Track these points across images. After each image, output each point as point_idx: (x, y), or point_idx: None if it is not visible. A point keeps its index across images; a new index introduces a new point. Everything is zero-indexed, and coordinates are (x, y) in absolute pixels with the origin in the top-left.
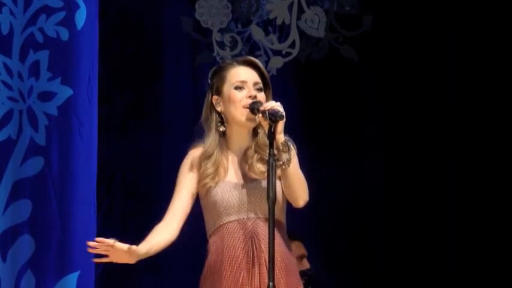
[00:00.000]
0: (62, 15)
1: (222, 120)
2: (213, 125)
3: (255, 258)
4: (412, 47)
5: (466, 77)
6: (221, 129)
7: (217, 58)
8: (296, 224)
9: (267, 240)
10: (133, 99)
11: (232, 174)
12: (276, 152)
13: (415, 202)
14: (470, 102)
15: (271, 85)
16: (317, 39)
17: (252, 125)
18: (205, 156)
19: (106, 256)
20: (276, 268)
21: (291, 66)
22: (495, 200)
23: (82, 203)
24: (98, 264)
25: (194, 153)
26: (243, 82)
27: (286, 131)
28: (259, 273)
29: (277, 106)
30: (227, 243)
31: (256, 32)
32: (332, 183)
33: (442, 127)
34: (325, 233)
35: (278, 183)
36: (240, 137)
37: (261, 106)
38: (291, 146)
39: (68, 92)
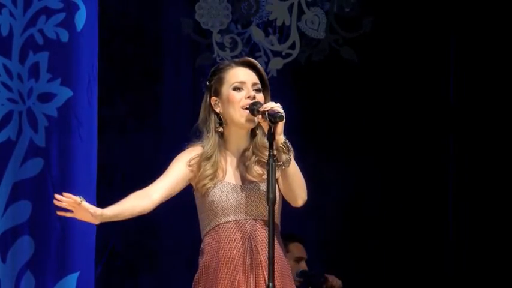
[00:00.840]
0: (61, 16)
1: (221, 121)
2: (212, 126)
3: (252, 260)
4: (412, 49)
5: (466, 79)
6: (220, 130)
7: (217, 59)
8: (296, 224)
9: (264, 242)
10: (133, 100)
11: (230, 176)
12: (275, 152)
13: (415, 202)
14: (471, 104)
15: (271, 86)
16: (317, 41)
17: (251, 125)
18: (205, 158)
19: (70, 211)
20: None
21: (291, 68)
22: (495, 200)
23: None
24: (97, 265)
25: (193, 151)
26: (242, 83)
27: (286, 132)
28: (255, 275)
29: (276, 107)
30: (223, 244)
31: (256, 33)
32: (332, 183)
33: (443, 128)
34: (325, 233)
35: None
36: (238, 138)
37: (260, 107)
38: (291, 147)
39: (67, 93)
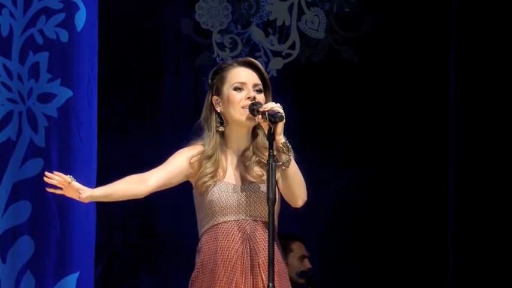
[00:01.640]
0: (61, 16)
1: (222, 121)
2: (213, 124)
3: (250, 261)
4: (412, 48)
5: (467, 78)
6: (220, 130)
7: (217, 59)
8: (295, 224)
9: (263, 243)
10: (133, 100)
11: (230, 175)
12: (275, 153)
13: (415, 202)
14: (471, 104)
15: (271, 86)
16: (317, 41)
17: (252, 124)
18: (206, 157)
19: (60, 189)
20: (265, 273)
21: (291, 68)
22: (496, 200)
23: (81, 204)
24: (97, 265)
25: (194, 149)
26: (243, 83)
27: (286, 132)
28: (253, 276)
29: (276, 107)
30: (221, 244)
31: (256, 33)
32: (331, 183)
33: (443, 128)
34: (324, 233)
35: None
36: (238, 138)
37: (260, 107)
38: (290, 147)
39: (67, 93)
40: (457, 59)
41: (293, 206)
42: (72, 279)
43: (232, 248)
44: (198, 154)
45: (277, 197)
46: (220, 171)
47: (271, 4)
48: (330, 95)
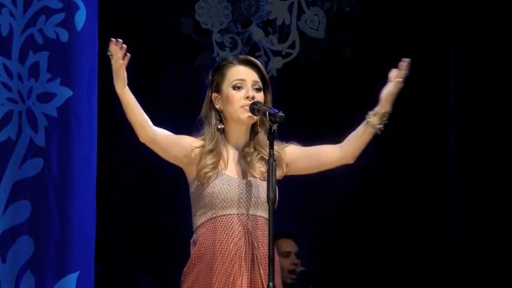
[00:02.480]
0: (61, 16)
1: (221, 118)
2: (213, 121)
3: (248, 254)
4: (412, 48)
5: (467, 78)
6: (220, 126)
7: (217, 59)
8: (296, 223)
9: (262, 238)
10: None
11: (231, 169)
12: (376, 119)
13: (415, 202)
14: (471, 103)
15: (271, 85)
16: (317, 40)
17: (251, 122)
18: (207, 151)
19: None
20: (264, 269)
21: (291, 67)
22: (495, 200)
23: (81, 204)
24: (97, 264)
25: (197, 142)
26: (242, 81)
27: (286, 131)
28: (251, 269)
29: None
30: (219, 237)
31: (256, 33)
32: (331, 183)
33: (443, 128)
34: (324, 233)
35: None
36: (238, 134)
37: (260, 106)
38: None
39: (67, 93)
40: (457, 59)
41: (345, 162)
42: (72, 278)
43: (232, 241)
44: (199, 146)
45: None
46: (221, 163)
47: (271, 3)
48: (329, 95)
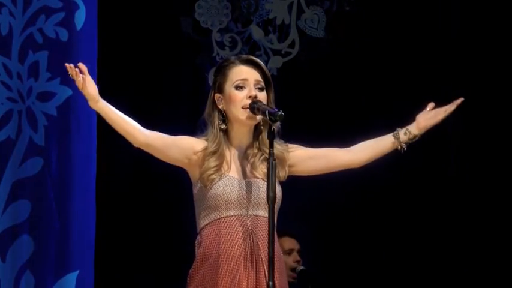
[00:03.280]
0: (61, 15)
1: (224, 118)
2: (216, 122)
3: (253, 256)
4: (412, 47)
5: (467, 78)
6: (223, 127)
7: (217, 58)
8: (297, 223)
9: (265, 239)
10: (132, 99)
11: (234, 170)
12: (408, 139)
13: (416, 202)
14: (471, 103)
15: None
16: (317, 39)
17: (253, 123)
18: (210, 152)
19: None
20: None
21: (291, 66)
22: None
23: (81, 203)
24: (97, 264)
25: (199, 142)
26: (244, 81)
27: (286, 129)
28: (256, 270)
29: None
30: (224, 238)
31: (256, 32)
32: (331, 182)
33: (443, 127)
34: (324, 233)
35: (278, 185)
36: (241, 135)
37: (260, 105)
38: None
39: (67, 92)
40: (458, 58)
41: (352, 167)
42: (71, 278)
43: (236, 243)
44: (202, 148)
45: (278, 194)
46: (224, 164)
47: (271, 3)
48: (329, 94)
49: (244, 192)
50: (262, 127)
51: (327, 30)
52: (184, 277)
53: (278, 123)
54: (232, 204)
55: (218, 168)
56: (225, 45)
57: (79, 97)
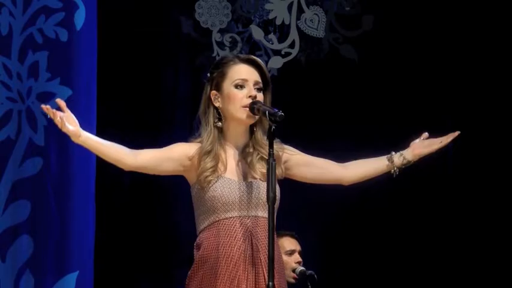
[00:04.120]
0: (61, 15)
1: (220, 116)
2: (211, 119)
3: (252, 257)
4: (413, 47)
5: (467, 77)
6: (219, 125)
7: (217, 58)
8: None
9: (265, 240)
10: (132, 99)
11: (231, 171)
12: (402, 164)
13: (416, 202)
14: (471, 103)
15: (271, 85)
16: (317, 39)
17: (251, 122)
18: (205, 152)
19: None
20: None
21: (291, 66)
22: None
23: (81, 203)
24: (97, 264)
25: (192, 146)
26: (244, 80)
27: (286, 130)
28: (256, 272)
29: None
30: (223, 240)
31: (256, 32)
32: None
33: (443, 126)
34: (324, 233)
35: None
36: (237, 134)
37: (260, 106)
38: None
39: (67, 92)
40: (458, 58)
41: (341, 183)
42: (71, 278)
43: (235, 245)
44: (196, 151)
45: (277, 195)
46: (220, 165)
47: (271, 3)
48: (329, 94)
49: (242, 194)
50: (255, 127)
51: (327, 30)
52: (184, 277)
53: (267, 121)
54: (231, 206)
55: (214, 169)
56: (225, 46)
57: (79, 97)
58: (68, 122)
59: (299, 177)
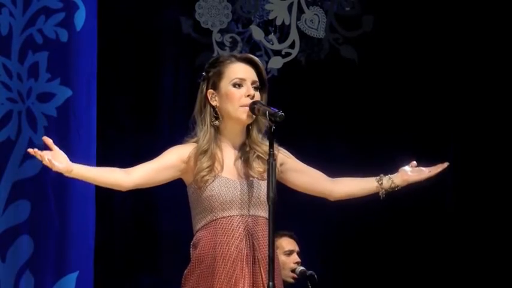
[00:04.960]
0: (61, 16)
1: (216, 115)
2: (208, 118)
3: (249, 256)
4: (413, 47)
5: (468, 77)
6: (216, 124)
7: (212, 57)
8: (296, 223)
9: (263, 239)
10: (132, 99)
11: (228, 170)
12: (390, 187)
13: (417, 202)
14: (472, 103)
15: (271, 85)
16: (317, 40)
17: (249, 121)
18: (201, 151)
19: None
20: (265, 270)
21: (291, 67)
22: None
23: (81, 204)
24: (97, 264)
25: (187, 147)
26: (242, 80)
27: (286, 130)
28: (253, 272)
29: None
30: (220, 239)
31: (256, 33)
32: None
33: (443, 127)
34: (324, 233)
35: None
36: (234, 133)
37: (260, 106)
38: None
39: (67, 92)
40: (458, 58)
41: (327, 198)
42: (71, 278)
43: (232, 244)
44: (191, 152)
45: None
46: (217, 165)
47: (271, 3)
48: (329, 95)
49: (240, 193)
50: (251, 126)
51: (327, 30)
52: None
53: (267, 122)
54: (229, 205)
55: (211, 168)
56: (226, 46)
57: (79, 98)
58: (58, 161)
59: (290, 182)
